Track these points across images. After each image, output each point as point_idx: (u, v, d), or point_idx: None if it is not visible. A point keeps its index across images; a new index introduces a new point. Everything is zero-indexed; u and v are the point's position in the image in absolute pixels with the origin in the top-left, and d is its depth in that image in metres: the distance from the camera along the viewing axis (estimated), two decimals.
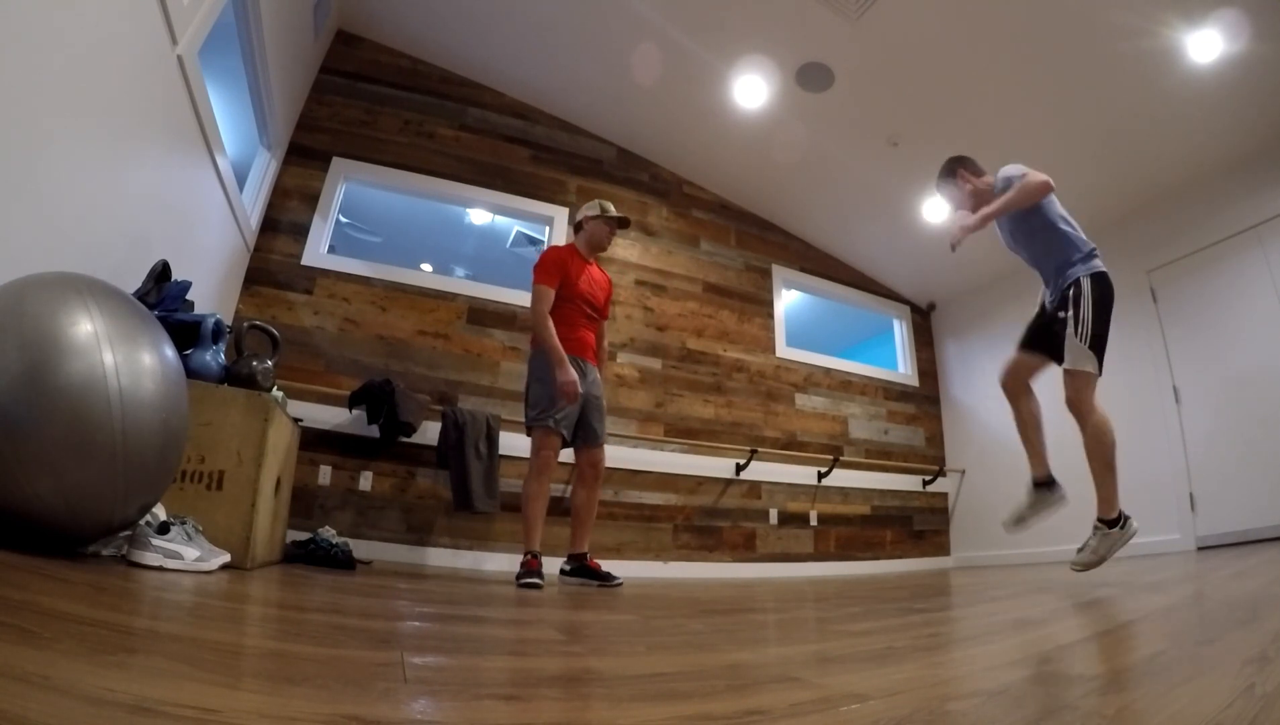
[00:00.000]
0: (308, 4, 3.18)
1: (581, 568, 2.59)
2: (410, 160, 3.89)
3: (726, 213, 4.89)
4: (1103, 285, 2.23)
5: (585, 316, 2.70)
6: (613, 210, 2.81)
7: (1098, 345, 2.18)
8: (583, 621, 1.38)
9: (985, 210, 2.30)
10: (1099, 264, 2.27)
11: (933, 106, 3.67)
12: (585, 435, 2.64)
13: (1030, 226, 2.38)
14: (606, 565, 2.68)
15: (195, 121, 2.30)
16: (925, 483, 4.94)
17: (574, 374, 2.48)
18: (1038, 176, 2.25)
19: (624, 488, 3.78)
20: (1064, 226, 2.32)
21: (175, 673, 0.57)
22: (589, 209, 2.81)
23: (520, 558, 2.46)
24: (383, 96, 3.93)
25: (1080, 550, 2.21)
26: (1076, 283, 2.25)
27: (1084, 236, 2.33)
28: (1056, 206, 2.37)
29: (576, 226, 2.84)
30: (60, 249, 1.58)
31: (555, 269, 2.62)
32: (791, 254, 5.07)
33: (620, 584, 2.54)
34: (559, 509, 3.56)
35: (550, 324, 2.54)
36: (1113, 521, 2.15)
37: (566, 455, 2.66)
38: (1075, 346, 2.19)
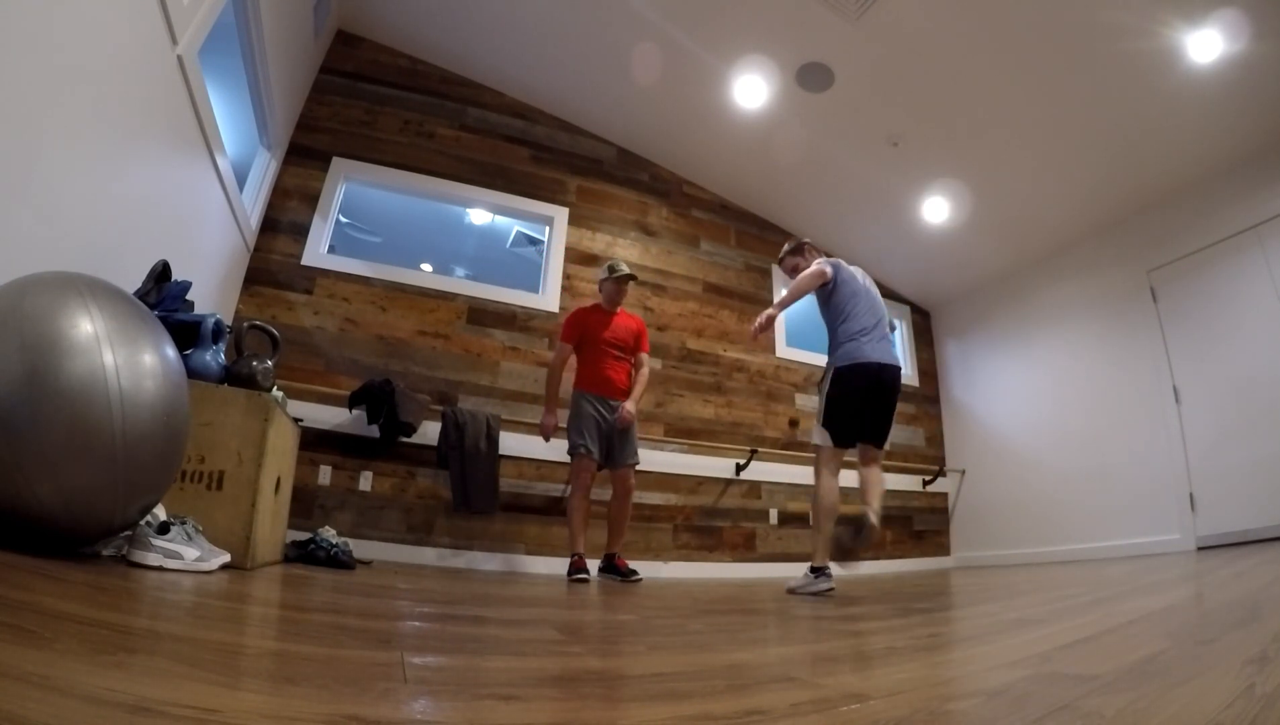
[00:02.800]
0: (308, 4, 3.18)
1: (610, 566, 2.98)
2: (410, 160, 3.89)
3: (726, 213, 4.89)
4: (837, 380, 2.53)
5: (613, 357, 3.13)
6: (623, 268, 3.21)
7: (828, 423, 2.54)
8: (583, 621, 1.38)
9: (778, 301, 2.62)
10: (842, 357, 2.54)
11: (933, 106, 3.67)
12: (612, 459, 3.05)
13: (822, 315, 2.73)
14: None
15: (195, 121, 2.30)
16: (925, 483, 4.94)
17: (551, 420, 3.05)
18: (813, 269, 2.60)
19: None
20: (832, 322, 2.63)
21: (175, 673, 0.57)
22: (600, 273, 3.27)
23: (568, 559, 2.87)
24: (383, 96, 3.93)
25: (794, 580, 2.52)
26: (825, 372, 2.61)
27: (849, 332, 2.55)
28: (834, 303, 2.62)
29: (600, 287, 3.26)
30: (60, 249, 1.58)
31: (571, 328, 3.15)
32: None
33: (639, 579, 2.89)
34: (556, 511, 3.57)
35: (554, 375, 3.08)
36: (814, 569, 2.49)
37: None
38: (815, 426, 2.61)
